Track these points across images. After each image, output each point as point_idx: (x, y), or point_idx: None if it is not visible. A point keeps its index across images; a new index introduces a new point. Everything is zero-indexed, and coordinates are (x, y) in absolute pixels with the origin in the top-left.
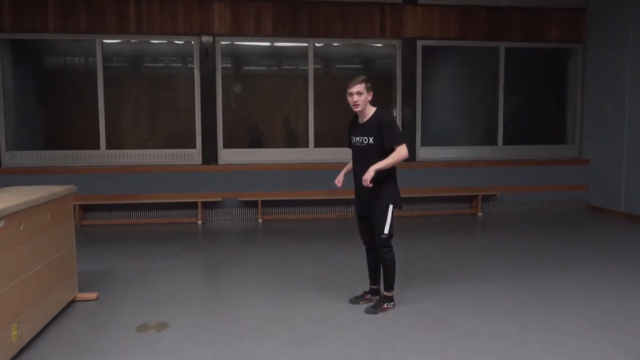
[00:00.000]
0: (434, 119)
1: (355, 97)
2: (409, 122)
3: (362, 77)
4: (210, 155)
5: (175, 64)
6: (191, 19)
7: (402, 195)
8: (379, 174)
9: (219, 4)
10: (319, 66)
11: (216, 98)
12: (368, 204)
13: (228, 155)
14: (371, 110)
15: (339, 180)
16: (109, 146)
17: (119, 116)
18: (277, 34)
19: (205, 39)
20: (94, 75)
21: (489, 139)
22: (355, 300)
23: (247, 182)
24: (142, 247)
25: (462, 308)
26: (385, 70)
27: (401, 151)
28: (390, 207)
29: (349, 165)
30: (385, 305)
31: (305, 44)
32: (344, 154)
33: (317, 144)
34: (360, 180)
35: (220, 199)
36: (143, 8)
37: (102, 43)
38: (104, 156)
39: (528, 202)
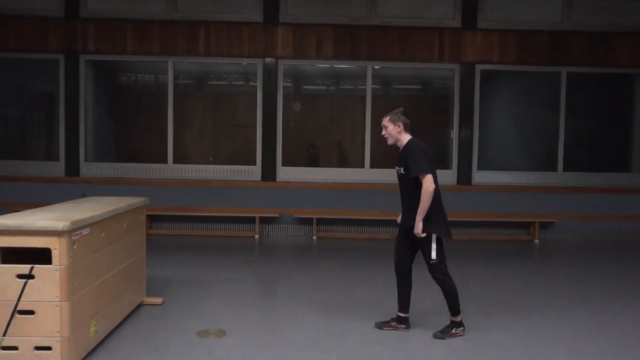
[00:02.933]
0: (491, 143)
1: (383, 132)
2: (466, 146)
3: (390, 112)
4: (269, 172)
5: (238, 83)
6: (256, 42)
7: (457, 219)
8: (415, 208)
9: (283, 27)
10: (377, 86)
11: (277, 117)
12: (410, 230)
13: (286, 173)
14: (405, 140)
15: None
16: (176, 160)
17: (186, 132)
18: (337, 56)
19: (269, 60)
20: (164, 94)
21: (549, 165)
22: (380, 325)
23: (303, 199)
24: (203, 257)
25: (523, 337)
26: (442, 92)
27: (425, 187)
28: (433, 236)
29: None
30: (453, 331)
31: (364, 66)
32: (394, 176)
33: (373, 165)
34: (403, 204)
35: (277, 215)
36: (212, 32)
37: (174, 63)
38: (171, 170)
39: (588, 231)
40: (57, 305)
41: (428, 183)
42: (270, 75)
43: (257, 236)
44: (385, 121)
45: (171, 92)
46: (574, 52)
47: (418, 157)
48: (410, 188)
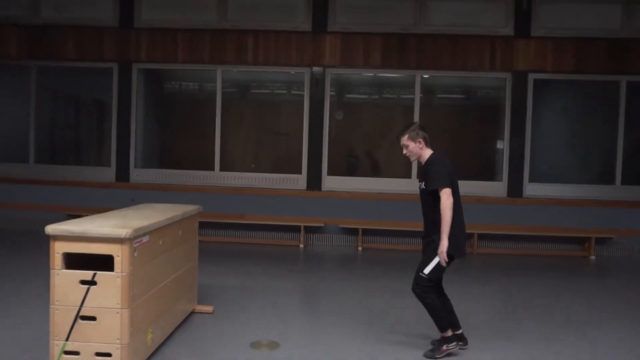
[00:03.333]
0: (544, 155)
1: (404, 150)
2: (517, 157)
3: (407, 130)
4: (314, 181)
5: (285, 92)
6: (304, 50)
7: (507, 232)
8: (437, 221)
9: (331, 36)
10: (424, 95)
11: (323, 126)
12: (429, 246)
13: (331, 182)
14: (427, 155)
15: None
16: (223, 168)
17: (233, 140)
18: (385, 65)
19: (316, 69)
20: (212, 102)
21: (606, 178)
22: (431, 354)
23: (348, 209)
24: (249, 265)
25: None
26: (490, 102)
27: (443, 202)
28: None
29: None
30: (444, 347)
31: (413, 75)
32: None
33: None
34: (424, 220)
35: (322, 225)
36: (260, 40)
37: (222, 72)
38: (218, 177)
39: None
40: (118, 312)
41: (445, 196)
42: (317, 84)
43: (301, 245)
44: (405, 140)
45: (219, 100)
46: (634, 61)
47: (437, 171)
48: (429, 203)
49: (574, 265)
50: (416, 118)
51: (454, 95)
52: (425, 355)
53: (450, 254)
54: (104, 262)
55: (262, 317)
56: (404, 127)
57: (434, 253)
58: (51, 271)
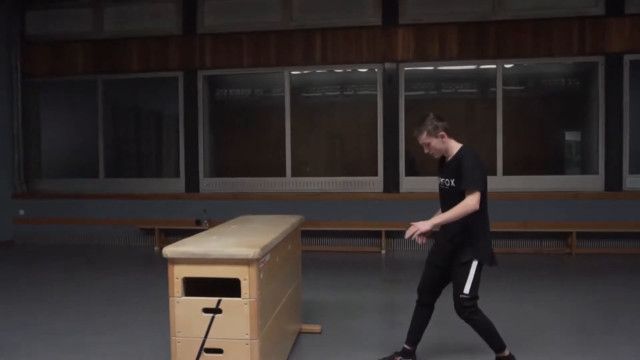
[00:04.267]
0: None
1: (426, 149)
2: (614, 147)
3: (422, 126)
4: (391, 183)
5: (357, 91)
6: (375, 46)
7: (605, 230)
8: (463, 226)
9: (403, 30)
10: (493, 89)
11: (399, 125)
12: (449, 256)
13: (409, 183)
14: (455, 149)
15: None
16: (294, 173)
17: (304, 144)
18: (462, 56)
19: (388, 65)
20: (281, 105)
21: None
22: None
23: (430, 210)
24: (337, 275)
25: None
26: (576, 90)
27: (468, 202)
28: (475, 263)
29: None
30: None
31: (494, 66)
32: (533, 182)
33: (506, 172)
34: (449, 229)
35: (404, 229)
36: (328, 38)
37: (290, 75)
38: (289, 183)
39: None
40: (247, 344)
41: (475, 200)
42: (390, 81)
43: (383, 251)
44: (424, 138)
45: (288, 103)
46: None
47: (475, 169)
48: (455, 204)
49: None
50: (499, 112)
51: (516, 88)
52: None
53: (481, 262)
54: (223, 287)
55: (375, 336)
56: (418, 122)
57: (466, 267)
58: (170, 299)
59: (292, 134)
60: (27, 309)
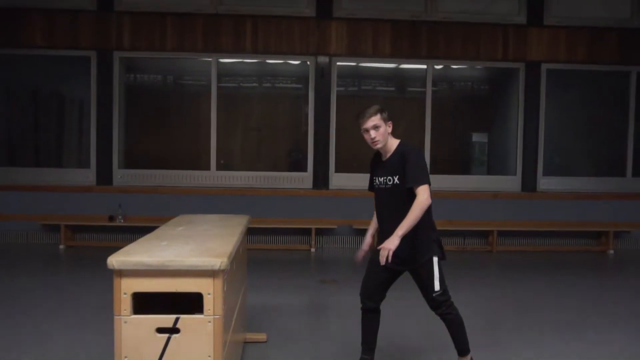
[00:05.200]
0: (556, 148)
1: (373, 133)
2: (530, 150)
3: (376, 107)
4: (321, 179)
5: (288, 83)
6: (308, 38)
7: (521, 229)
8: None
9: (337, 23)
10: (418, 88)
11: (330, 120)
12: (404, 258)
13: (340, 180)
14: (394, 144)
15: (361, 254)
16: (219, 167)
17: (230, 136)
18: (395, 54)
19: (322, 59)
20: (207, 94)
21: (617, 170)
22: None
23: (359, 208)
24: (270, 276)
25: None
26: (490, 95)
27: (421, 199)
28: (435, 259)
29: (374, 225)
30: None
31: (424, 66)
32: (459, 182)
33: (434, 171)
34: (386, 230)
35: (334, 227)
36: (259, 27)
37: (217, 62)
38: (214, 177)
39: None
40: None
41: (427, 195)
42: (323, 75)
43: (313, 249)
44: (377, 119)
45: (215, 93)
46: None
47: (421, 163)
48: (400, 202)
49: (591, 260)
50: (428, 111)
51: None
52: None
53: (441, 258)
54: (180, 300)
55: (324, 342)
56: (367, 107)
57: (429, 265)
58: (115, 318)
59: (218, 126)
60: None
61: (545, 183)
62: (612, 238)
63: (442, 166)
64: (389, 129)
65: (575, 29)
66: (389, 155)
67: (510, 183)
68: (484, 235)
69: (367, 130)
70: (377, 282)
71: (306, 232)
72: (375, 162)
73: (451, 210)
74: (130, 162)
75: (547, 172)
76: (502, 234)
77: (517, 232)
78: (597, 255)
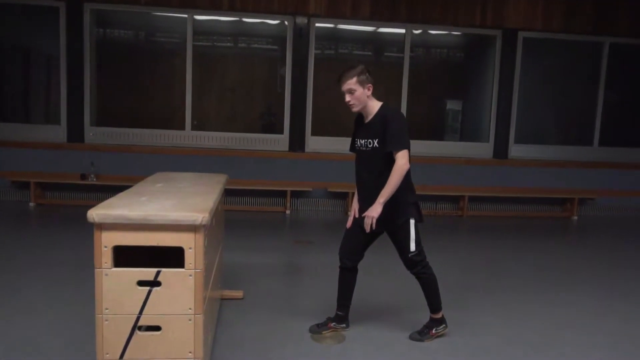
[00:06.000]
0: (528, 116)
1: (347, 97)
2: (504, 118)
3: (355, 70)
4: (297, 142)
5: (265, 44)
6: None
7: (492, 194)
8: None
9: None
10: (411, 54)
11: (307, 82)
12: (382, 220)
13: (316, 143)
14: (375, 107)
15: (351, 220)
16: (194, 127)
17: (205, 97)
18: (374, 17)
19: (300, 19)
20: (182, 53)
21: (585, 139)
22: (317, 329)
23: (335, 172)
24: (245, 236)
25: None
26: (466, 61)
27: (400, 164)
28: (412, 221)
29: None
30: (434, 331)
31: (403, 31)
32: (432, 147)
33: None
34: (366, 191)
35: (310, 189)
36: None
37: (193, 19)
38: (189, 137)
39: (629, 207)
40: (190, 320)
41: (405, 160)
42: (301, 35)
43: (288, 211)
44: (353, 84)
45: (190, 51)
46: (618, 23)
47: (402, 129)
48: (379, 167)
49: (557, 225)
50: (405, 76)
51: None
52: (412, 338)
53: (418, 220)
54: (158, 256)
55: (302, 301)
56: (346, 69)
57: (405, 227)
58: (96, 270)
59: (193, 85)
60: None
61: (516, 150)
62: (576, 205)
63: (416, 132)
64: (368, 92)
65: None
66: (370, 117)
67: (483, 150)
68: (455, 200)
69: (344, 93)
70: (355, 242)
71: (281, 194)
72: (357, 123)
73: (424, 175)
74: (103, 119)
75: (519, 140)
76: (472, 199)
77: (487, 197)
78: (562, 220)
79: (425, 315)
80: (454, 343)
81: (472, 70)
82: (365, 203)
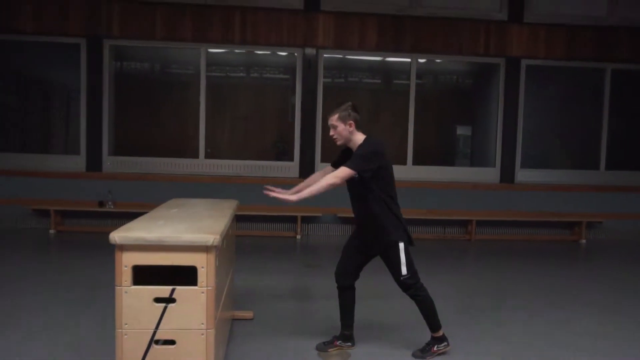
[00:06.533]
0: (534, 141)
1: (331, 131)
2: (509, 143)
3: (338, 108)
4: (307, 168)
5: (275, 74)
6: (295, 30)
7: (499, 219)
8: (372, 215)
9: (324, 16)
10: (403, 81)
11: (316, 110)
12: (373, 243)
13: None
14: (359, 140)
15: (274, 192)
16: (207, 155)
17: (218, 126)
18: (380, 48)
19: (309, 50)
20: (196, 84)
21: (591, 163)
22: (324, 346)
23: (344, 197)
24: (256, 260)
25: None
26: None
27: (333, 174)
28: (401, 245)
29: (302, 185)
30: (435, 349)
31: (408, 60)
32: (441, 173)
33: (416, 162)
34: (359, 218)
35: (319, 215)
36: (248, 18)
37: (207, 52)
38: (202, 165)
39: (637, 230)
40: (202, 334)
41: (341, 174)
42: (310, 66)
43: (298, 236)
44: (334, 120)
45: (203, 82)
46: (619, 49)
47: (362, 155)
48: (364, 194)
49: (564, 249)
50: (412, 103)
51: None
52: (414, 356)
53: (407, 243)
54: (173, 275)
55: (308, 322)
56: (336, 105)
57: (394, 250)
58: (117, 288)
59: (206, 115)
60: None
61: (523, 175)
62: (584, 228)
63: (423, 158)
64: (350, 128)
65: (554, 27)
66: (354, 149)
67: (490, 175)
68: (463, 224)
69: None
70: (350, 263)
71: (292, 219)
72: (345, 154)
73: (432, 200)
74: (120, 149)
75: (525, 165)
76: (480, 223)
77: (495, 221)
78: (570, 244)
79: (428, 334)
80: None
81: (479, 96)
82: (360, 228)
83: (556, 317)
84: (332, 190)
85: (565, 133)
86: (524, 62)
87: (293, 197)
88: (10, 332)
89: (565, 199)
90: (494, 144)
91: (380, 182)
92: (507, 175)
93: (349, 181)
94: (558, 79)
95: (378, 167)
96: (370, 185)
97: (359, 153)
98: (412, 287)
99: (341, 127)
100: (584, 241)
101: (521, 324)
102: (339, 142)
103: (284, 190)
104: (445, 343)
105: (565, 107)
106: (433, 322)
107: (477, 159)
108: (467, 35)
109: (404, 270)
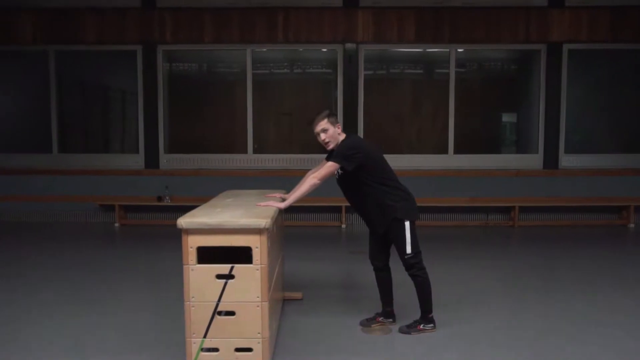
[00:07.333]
0: (578, 125)
1: (322, 136)
2: (553, 129)
3: (324, 113)
4: None
5: (318, 70)
6: (336, 27)
7: (544, 204)
8: (366, 194)
9: (363, 11)
10: (456, 69)
11: (358, 103)
12: (374, 224)
13: None
14: (340, 139)
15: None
16: (255, 150)
17: (265, 121)
18: (419, 40)
19: (349, 46)
20: (242, 83)
21: (636, 147)
22: (367, 322)
23: None
24: (303, 248)
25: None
26: (520, 74)
27: (326, 168)
28: (406, 223)
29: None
30: (421, 327)
31: (447, 50)
32: (483, 161)
33: (457, 150)
34: (358, 210)
35: None
36: (291, 18)
37: (252, 52)
38: (251, 160)
39: None
40: (258, 306)
41: (325, 171)
42: (350, 61)
43: (343, 225)
44: (324, 123)
45: (250, 80)
46: None
47: (342, 150)
48: (353, 187)
49: (612, 233)
50: (452, 93)
51: (481, 69)
52: (400, 330)
53: (410, 220)
54: (231, 255)
55: (353, 300)
56: (316, 115)
57: (398, 228)
58: (184, 266)
59: (253, 112)
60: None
61: (567, 160)
62: (632, 212)
63: (466, 146)
64: (338, 130)
65: (597, 9)
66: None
67: (533, 161)
68: (506, 210)
69: (318, 134)
70: (374, 246)
71: (337, 209)
72: (329, 155)
73: (475, 188)
74: (175, 147)
75: (569, 150)
76: (523, 209)
77: (539, 207)
78: (618, 228)
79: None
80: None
81: (523, 82)
82: (364, 219)
83: (599, 298)
84: None
85: (611, 117)
86: (566, 47)
87: (281, 205)
88: (102, 306)
89: (611, 183)
90: (536, 130)
91: (370, 172)
92: (551, 160)
93: (339, 178)
94: (603, 62)
95: (364, 158)
96: (360, 177)
97: (340, 150)
98: (414, 266)
99: (332, 129)
100: (632, 225)
101: (562, 305)
102: (330, 146)
103: (276, 197)
104: (432, 325)
105: (610, 90)
106: (426, 304)
107: (522, 145)
108: (506, 24)
109: (408, 249)
